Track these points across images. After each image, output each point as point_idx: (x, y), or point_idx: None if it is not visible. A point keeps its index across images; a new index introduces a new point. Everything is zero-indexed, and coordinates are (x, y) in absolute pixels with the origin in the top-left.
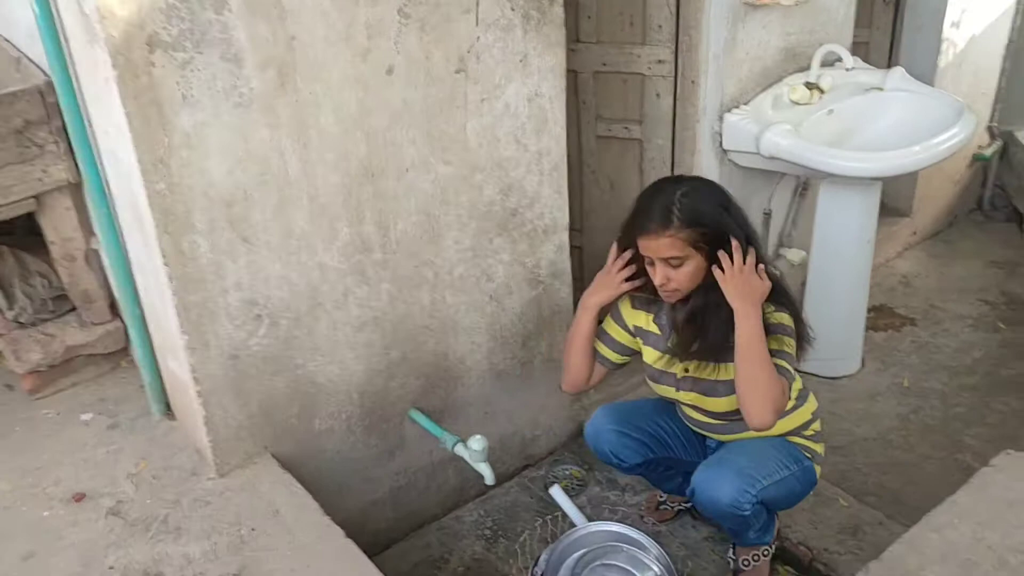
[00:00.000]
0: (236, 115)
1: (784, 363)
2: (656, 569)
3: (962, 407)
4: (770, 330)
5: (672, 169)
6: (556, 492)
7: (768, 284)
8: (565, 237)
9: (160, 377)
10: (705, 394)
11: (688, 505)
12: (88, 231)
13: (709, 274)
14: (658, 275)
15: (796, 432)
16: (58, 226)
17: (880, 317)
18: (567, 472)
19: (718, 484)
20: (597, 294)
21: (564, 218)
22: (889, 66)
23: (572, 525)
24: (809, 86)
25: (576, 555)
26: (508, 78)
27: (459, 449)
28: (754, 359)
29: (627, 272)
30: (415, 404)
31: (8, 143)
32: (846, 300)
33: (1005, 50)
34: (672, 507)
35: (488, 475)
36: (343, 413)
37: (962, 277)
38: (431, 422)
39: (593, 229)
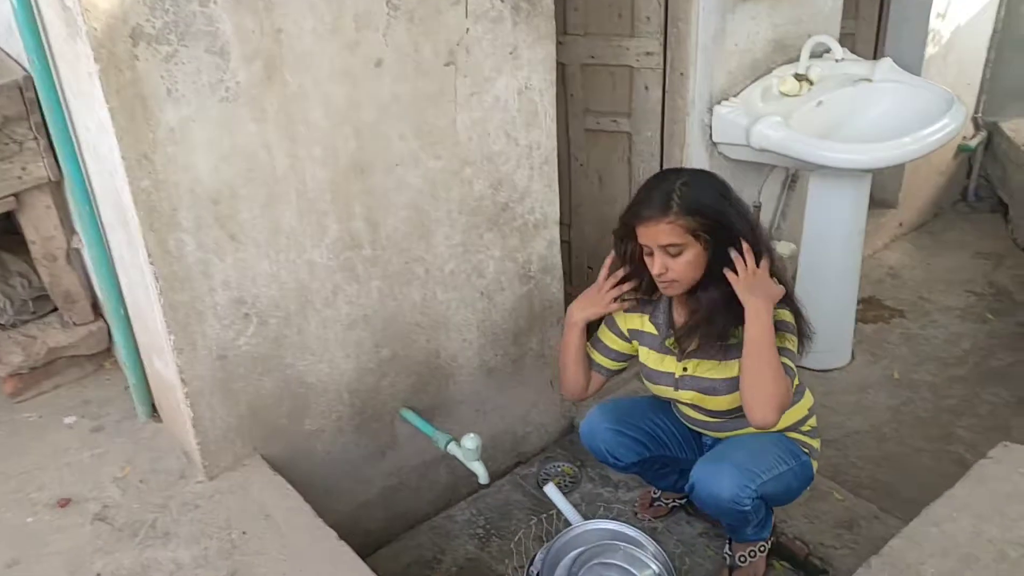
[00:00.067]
0: (222, 109)
1: (787, 360)
2: (654, 567)
3: (953, 398)
4: (773, 327)
5: (661, 162)
6: (551, 490)
7: (781, 290)
8: (556, 232)
9: (145, 378)
10: (705, 393)
11: (682, 501)
12: (69, 230)
13: (713, 267)
14: (656, 264)
15: (793, 428)
16: (38, 225)
17: (869, 309)
18: (559, 469)
19: (718, 479)
20: (584, 310)
21: (555, 213)
22: (875, 57)
23: (567, 523)
24: (798, 77)
25: (573, 554)
26: (498, 71)
27: (452, 448)
28: (763, 358)
29: (617, 292)
30: (406, 403)
31: None
32: (836, 292)
33: (990, 41)
34: (666, 503)
35: (482, 474)
36: (334, 413)
37: (949, 268)
38: (423, 421)
39: (581, 223)
